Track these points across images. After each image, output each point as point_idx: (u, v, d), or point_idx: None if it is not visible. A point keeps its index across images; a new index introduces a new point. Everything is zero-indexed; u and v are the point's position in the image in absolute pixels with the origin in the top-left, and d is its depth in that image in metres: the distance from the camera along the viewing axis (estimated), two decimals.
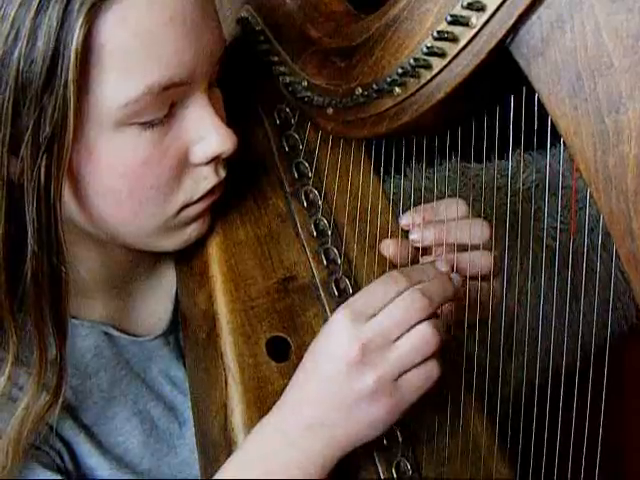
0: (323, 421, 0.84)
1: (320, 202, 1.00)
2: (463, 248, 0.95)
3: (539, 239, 1.56)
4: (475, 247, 0.95)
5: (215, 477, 0.86)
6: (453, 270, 0.92)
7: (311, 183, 1.01)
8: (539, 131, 0.79)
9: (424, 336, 0.84)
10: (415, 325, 0.84)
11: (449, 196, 1.01)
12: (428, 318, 0.84)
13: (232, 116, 0.94)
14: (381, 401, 0.84)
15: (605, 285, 1.58)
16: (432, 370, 0.85)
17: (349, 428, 0.85)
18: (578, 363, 0.93)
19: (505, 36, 0.75)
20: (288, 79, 0.94)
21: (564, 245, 1.57)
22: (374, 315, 0.84)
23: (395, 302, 0.84)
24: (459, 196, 0.99)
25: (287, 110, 1.03)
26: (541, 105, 0.75)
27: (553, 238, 1.60)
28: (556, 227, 1.63)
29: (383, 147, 0.95)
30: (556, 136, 0.75)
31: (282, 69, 0.95)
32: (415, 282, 0.86)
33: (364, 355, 0.83)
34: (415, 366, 0.84)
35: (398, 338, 0.84)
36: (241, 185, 0.98)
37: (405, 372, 0.84)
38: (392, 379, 0.84)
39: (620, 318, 1.82)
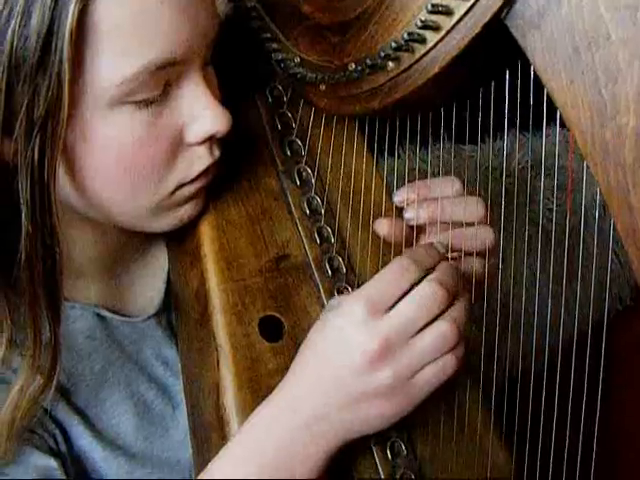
0: (331, 413, 0.84)
1: (313, 180, 1.00)
2: (458, 226, 0.95)
3: (534, 220, 1.56)
4: (470, 225, 0.95)
5: (208, 469, 0.85)
6: (449, 248, 0.92)
7: (304, 161, 1.01)
8: (534, 111, 0.79)
9: (443, 333, 0.84)
10: (434, 319, 0.84)
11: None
12: (445, 310, 0.85)
13: (224, 94, 0.93)
14: (395, 398, 0.84)
15: (599, 266, 1.58)
16: (448, 365, 0.85)
17: (357, 421, 0.85)
18: (575, 342, 0.93)
19: (500, 9, 0.74)
20: (280, 56, 0.94)
21: (559, 226, 1.57)
22: (390, 307, 0.84)
23: (415, 294, 0.84)
24: (454, 175, 0.99)
25: (280, 88, 1.03)
26: (536, 85, 0.74)
27: (548, 219, 1.60)
28: (551, 208, 1.62)
29: (376, 127, 0.94)
30: (551, 116, 0.75)
31: (274, 46, 0.95)
32: (426, 268, 0.86)
33: (384, 351, 0.82)
34: (431, 361, 0.84)
35: (417, 332, 0.84)
36: (233, 164, 0.98)
37: (421, 368, 0.84)
38: (408, 376, 0.83)
39: (615, 299, 1.83)
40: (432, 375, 0.84)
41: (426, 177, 0.99)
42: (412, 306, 0.83)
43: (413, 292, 0.84)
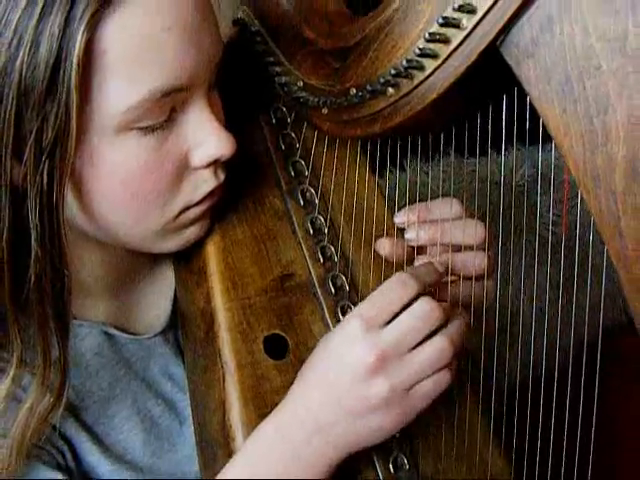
0: (331, 427, 0.85)
1: (317, 200, 1.01)
2: (458, 248, 0.96)
3: (536, 233, 1.57)
4: (469, 247, 0.96)
5: None
6: (448, 271, 0.94)
7: (308, 181, 1.02)
8: (535, 125, 0.80)
9: (440, 349, 0.86)
10: (431, 334, 0.86)
11: (446, 191, 1.02)
12: (443, 326, 0.86)
13: (229, 116, 0.95)
14: (392, 410, 0.85)
15: (603, 278, 1.59)
16: (443, 379, 0.87)
17: (357, 434, 0.86)
18: (570, 356, 0.94)
19: (496, 37, 0.76)
20: (284, 79, 0.95)
21: (560, 238, 1.58)
22: (387, 322, 0.85)
23: (411, 311, 0.86)
24: (455, 190, 1.00)
25: (283, 109, 1.04)
26: None
27: (550, 232, 1.60)
28: (553, 221, 1.63)
29: (379, 143, 0.95)
30: None
31: (278, 69, 0.96)
32: (423, 283, 0.88)
33: (380, 364, 0.84)
34: (428, 376, 0.86)
35: (414, 347, 0.85)
36: (238, 184, 0.99)
37: (417, 382, 0.86)
38: (405, 388, 0.85)
39: (620, 310, 1.83)
40: (428, 389, 0.86)
41: (429, 191, 1.00)
42: (409, 321, 0.85)
43: (411, 308, 0.86)
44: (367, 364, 0.84)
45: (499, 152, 1.47)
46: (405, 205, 1.00)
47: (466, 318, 0.90)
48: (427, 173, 1.50)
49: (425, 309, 0.85)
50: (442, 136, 0.90)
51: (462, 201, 0.98)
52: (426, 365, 0.85)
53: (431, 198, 0.99)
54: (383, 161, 0.95)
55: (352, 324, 0.86)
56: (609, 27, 0.69)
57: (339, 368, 0.85)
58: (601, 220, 0.71)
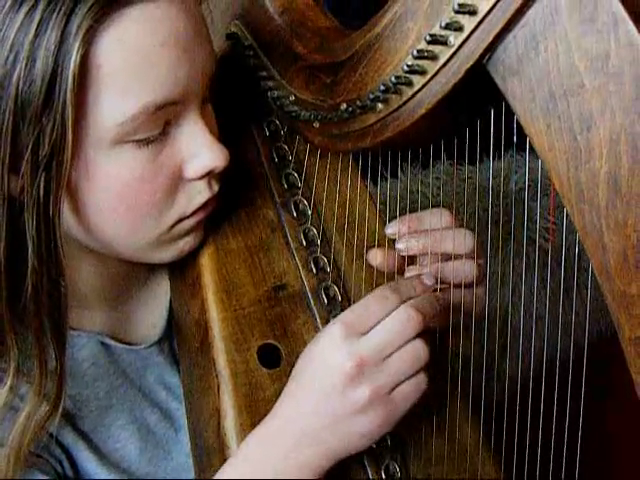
0: (317, 433, 0.87)
1: (309, 212, 1.02)
2: (448, 257, 0.98)
3: (531, 239, 1.58)
4: (459, 256, 0.98)
5: None
6: (438, 280, 0.95)
7: (300, 193, 1.03)
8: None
9: (417, 351, 0.87)
10: (409, 340, 0.87)
11: (439, 199, 1.03)
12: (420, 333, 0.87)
13: (223, 129, 0.96)
14: (375, 413, 0.86)
15: (589, 286, 1.60)
16: (422, 381, 0.88)
17: (343, 440, 0.87)
18: (558, 362, 0.95)
19: (482, 55, 0.77)
20: (276, 93, 0.97)
21: (554, 245, 1.59)
22: (367, 331, 0.87)
23: (391, 318, 0.87)
24: (451, 198, 1.01)
25: (276, 122, 1.05)
26: None
27: (545, 238, 1.61)
28: (546, 228, 1.64)
29: (371, 153, 0.96)
30: None
31: (270, 83, 0.97)
32: (405, 298, 0.89)
33: (360, 369, 0.85)
34: (406, 379, 0.87)
35: (392, 352, 0.87)
36: (232, 196, 1.00)
37: (397, 385, 0.87)
38: (386, 392, 0.86)
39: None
40: (409, 391, 0.87)
41: (425, 199, 1.01)
42: (387, 328, 0.87)
43: (390, 316, 0.87)
44: (346, 370, 0.85)
45: (495, 158, 1.49)
46: (398, 215, 1.01)
47: (446, 322, 0.92)
48: (422, 181, 1.51)
49: (404, 316, 0.87)
50: (440, 142, 0.91)
51: (455, 208, 1.00)
52: (404, 368, 0.87)
53: (425, 207, 1.00)
54: (375, 170, 0.97)
55: (332, 331, 0.87)
56: (592, 46, 0.70)
57: (320, 376, 0.87)
58: (585, 234, 0.72)
